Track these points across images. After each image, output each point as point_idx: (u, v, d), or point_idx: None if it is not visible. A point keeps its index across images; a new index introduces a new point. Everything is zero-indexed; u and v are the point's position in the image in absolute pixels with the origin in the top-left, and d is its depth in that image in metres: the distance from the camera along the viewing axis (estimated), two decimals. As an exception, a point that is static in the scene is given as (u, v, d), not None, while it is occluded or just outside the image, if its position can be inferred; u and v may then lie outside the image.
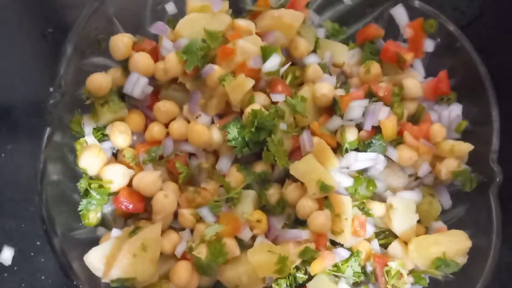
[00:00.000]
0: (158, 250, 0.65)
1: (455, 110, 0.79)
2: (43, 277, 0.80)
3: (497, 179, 0.74)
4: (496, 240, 0.72)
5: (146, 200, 0.71)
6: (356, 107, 0.75)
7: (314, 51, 0.84)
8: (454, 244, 0.72)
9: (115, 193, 0.70)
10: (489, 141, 0.76)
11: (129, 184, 0.71)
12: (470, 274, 0.72)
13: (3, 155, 0.85)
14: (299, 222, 0.74)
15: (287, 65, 0.77)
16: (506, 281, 0.84)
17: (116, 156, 0.75)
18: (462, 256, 0.72)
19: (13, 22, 0.92)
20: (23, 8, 0.92)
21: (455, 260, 0.71)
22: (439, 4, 0.91)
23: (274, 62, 0.73)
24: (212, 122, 0.75)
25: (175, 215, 0.72)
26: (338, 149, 0.77)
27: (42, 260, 0.81)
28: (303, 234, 0.71)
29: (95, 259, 0.64)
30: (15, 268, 0.80)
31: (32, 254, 0.81)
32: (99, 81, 0.70)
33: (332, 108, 0.77)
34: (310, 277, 0.73)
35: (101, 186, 0.69)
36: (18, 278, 0.80)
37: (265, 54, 0.74)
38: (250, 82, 0.71)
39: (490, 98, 0.77)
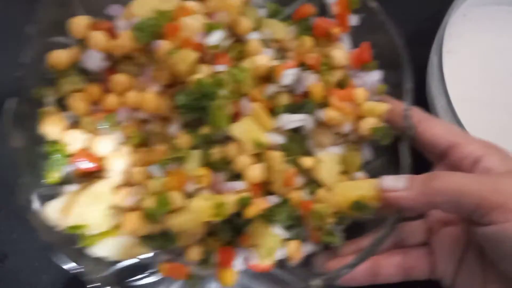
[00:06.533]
0: (108, 201, 0.69)
1: (376, 76, 0.83)
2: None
3: (409, 132, 0.77)
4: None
5: (102, 160, 0.74)
6: (288, 75, 0.78)
7: (257, 29, 0.86)
8: (372, 190, 0.75)
9: (74, 155, 0.73)
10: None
11: (87, 147, 0.74)
12: (383, 214, 0.75)
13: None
14: (238, 176, 0.78)
15: (230, 40, 0.79)
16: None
17: (77, 123, 0.78)
18: (378, 200, 0.76)
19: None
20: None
21: (372, 203, 0.75)
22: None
23: (216, 37, 0.76)
24: (163, 91, 0.78)
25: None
26: (274, 112, 0.80)
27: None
28: (240, 185, 0.75)
29: (52, 210, 0.68)
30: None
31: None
32: (59, 57, 0.73)
33: (269, 77, 0.80)
34: (248, 222, 0.77)
35: (61, 149, 0.72)
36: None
37: (209, 30, 0.76)
38: (194, 54, 0.74)
39: (404, 65, 0.80)
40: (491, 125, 0.86)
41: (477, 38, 0.90)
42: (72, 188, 0.72)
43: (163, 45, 0.74)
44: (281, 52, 0.88)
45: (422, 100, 0.89)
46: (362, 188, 0.76)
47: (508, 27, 0.95)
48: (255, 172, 0.74)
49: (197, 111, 0.75)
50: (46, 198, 0.72)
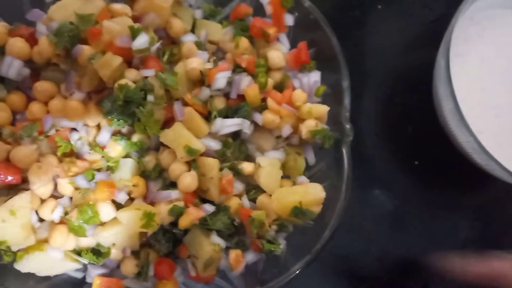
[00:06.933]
0: (28, 215, 0.65)
1: (314, 76, 0.80)
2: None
3: (348, 135, 0.75)
4: (346, 190, 0.73)
5: (25, 172, 0.69)
6: (220, 78, 0.75)
7: (193, 31, 0.83)
8: (309, 195, 0.73)
9: (-6, 167, 0.69)
10: (341, 102, 0.77)
11: (8, 159, 0.69)
12: (324, 219, 0.73)
13: None
14: (174, 185, 0.74)
15: (159, 43, 0.76)
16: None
17: (-1, 134, 0.74)
18: (317, 205, 0.73)
19: None
20: None
21: (310, 209, 0.72)
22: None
23: (142, 40, 0.72)
24: (90, 98, 0.74)
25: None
26: (210, 117, 0.77)
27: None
28: (172, 194, 0.72)
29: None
30: None
31: None
32: (-26, 65, 0.68)
33: (203, 81, 0.77)
34: (187, 232, 0.73)
35: (-20, 162, 0.68)
36: None
37: (134, 33, 0.72)
38: (117, 59, 0.70)
39: (341, 64, 0.77)
40: (499, 127, 0.85)
41: (484, 42, 0.89)
42: (-12, 203, 0.68)
43: (84, 50, 0.70)
44: (219, 54, 0.85)
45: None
46: (301, 193, 0.73)
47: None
48: (187, 179, 0.71)
49: (125, 118, 0.72)
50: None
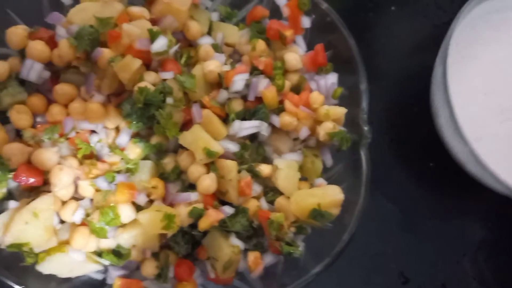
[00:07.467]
0: (51, 217, 0.65)
1: (331, 78, 0.80)
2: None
3: (367, 138, 0.75)
4: (365, 192, 0.73)
5: (46, 174, 0.69)
6: (238, 81, 0.74)
7: (209, 33, 0.83)
8: (328, 197, 0.73)
9: (17, 170, 0.69)
10: (358, 104, 0.76)
11: (30, 161, 0.69)
12: (343, 222, 0.72)
13: None
14: (192, 186, 0.74)
15: (177, 46, 0.76)
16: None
17: (19, 136, 0.74)
18: (336, 208, 0.73)
19: None
20: None
21: (329, 211, 0.72)
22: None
23: (160, 43, 0.73)
24: (109, 101, 0.74)
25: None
26: (227, 119, 0.76)
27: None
28: (192, 196, 0.72)
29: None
30: None
31: None
32: (-4, 68, 0.68)
33: (220, 83, 0.76)
34: (206, 234, 0.73)
35: (2, 163, 0.68)
36: None
37: (152, 36, 0.72)
38: (137, 62, 0.70)
39: (359, 67, 0.77)
40: (496, 136, 0.84)
41: (483, 49, 0.89)
42: (13, 205, 0.68)
43: (104, 53, 0.70)
44: (236, 56, 0.85)
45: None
46: (319, 195, 0.73)
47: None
48: (206, 181, 0.70)
49: (144, 120, 0.72)
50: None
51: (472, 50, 0.87)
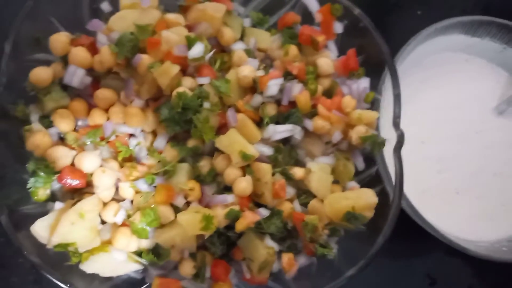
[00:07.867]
0: (95, 218, 0.67)
1: (363, 83, 0.81)
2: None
3: (399, 142, 0.75)
4: (399, 195, 0.73)
5: (89, 177, 0.71)
6: (273, 85, 0.76)
7: (242, 39, 0.84)
8: (362, 200, 0.74)
9: (60, 172, 0.71)
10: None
11: (73, 163, 0.72)
12: (376, 224, 0.73)
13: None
14: (227, 189, 0.75)
15: (212, 52, 0.77)
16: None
17: (62, 140, 0.76)
18: (370, 211, 0.74)
19: None
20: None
21: (363, 214, 0.73)
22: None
23: (197, 49, 0.74)
24: (147, 105, 0.76)
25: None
26: (261, 123, 0.78)
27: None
28: (228, 198, 0.73)
29: (40, 228, 0.67)
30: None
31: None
32: (41, 74, 0.71)
33: (254, 88, 0.78)
34: (241, 235, 0.74)
35: (47, 166, 0.70)
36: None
37: (189, 43, 0.74)
38: (175, 68, 0.72)
39: (391, 71, 0.77)
40: (442, 184, 0.85)
41: (418, 94, 0.86)
42: (58, 206, 0.70)
43: (144, 59, 0.72)
44: (267, 61, 0.86)
45: None
46: (353, 198, 0.74)
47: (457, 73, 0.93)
48: (242, 184, 0.72)
49: (181, 124, 0.73)
50: (35, 216, 0.70)
51: (407, 95, 0.83)
